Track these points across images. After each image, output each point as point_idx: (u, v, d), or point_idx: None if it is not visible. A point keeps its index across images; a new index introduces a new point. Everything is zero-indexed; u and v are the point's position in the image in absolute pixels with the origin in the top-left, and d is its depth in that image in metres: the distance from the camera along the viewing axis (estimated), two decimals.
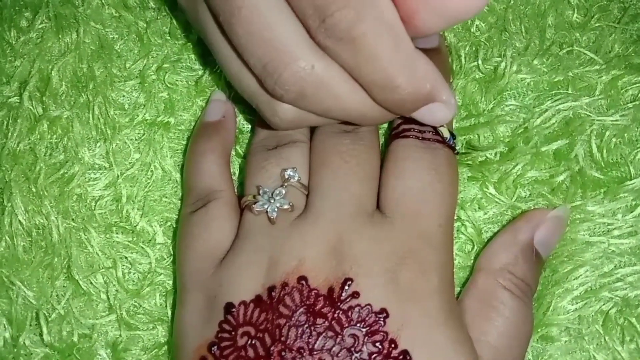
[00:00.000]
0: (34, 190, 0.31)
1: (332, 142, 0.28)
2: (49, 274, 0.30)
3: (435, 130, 0.28)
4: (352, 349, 0.24)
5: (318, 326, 0.24)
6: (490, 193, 0.30)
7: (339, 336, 0.24)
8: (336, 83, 0.24)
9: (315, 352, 0.24)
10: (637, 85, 0.31)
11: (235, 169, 0.32)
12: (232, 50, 0.26)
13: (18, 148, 0.31)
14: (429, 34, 0.24)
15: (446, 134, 0.28)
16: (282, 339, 0.24)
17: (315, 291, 0.25)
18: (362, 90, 0.25)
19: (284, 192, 0.27)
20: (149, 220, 0.31)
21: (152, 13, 0.33)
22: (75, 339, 0.30)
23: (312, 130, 0.30)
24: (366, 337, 0.24)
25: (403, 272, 0.25)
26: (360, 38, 0.23)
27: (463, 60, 0.32)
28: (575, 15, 0.32)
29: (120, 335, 0.30)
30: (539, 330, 0.29)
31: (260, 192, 0.27)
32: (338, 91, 0.24)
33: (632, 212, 0.30)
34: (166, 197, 0.31)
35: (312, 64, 0.24)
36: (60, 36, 0.32)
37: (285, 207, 0.27)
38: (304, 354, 0.24)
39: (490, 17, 0.32)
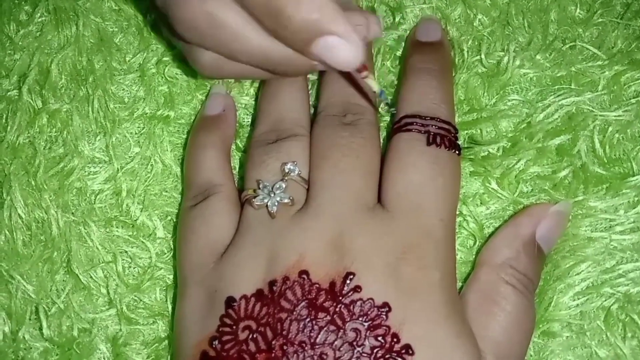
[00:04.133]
0: (33, 183, 0.31)
1: (331, 136, 0.28)
2: (49, 268, 0.30)
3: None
4: (354, 343, 0.24)
5: (320, 320, 0.24)
6: (492, 188, 0.30)
7: (341, 330, 0.24)
8: (231, 20, 0.24)
9: (317, 346, 0.24)
10: None
11: (235, 163, 0.32)
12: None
13: (17, 141, 0.31)
14: None
15: (375, 88, 0.26)
16: (284, 333, 0.24)
17: (317, 285, 0.25)
18: (258, 28, 0.25)
19: (284, 186, 0.27)
20: (149, 215, 0.31)
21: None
22: (75, 333, 0.30)
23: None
24: (368, 331, 0.24)
25: (405, 266, 0.25)
26: None
27: (465, 54, 0.31)
28: (578, 10, 0.32)
29: (120, 329, 0.30)
30: (540, 325, 0.29)
31: (260, 186, 0.27)
32: (235, 29, 0.24)
33: (634, 208, 0.30)
34: (166, 191, 0.31)
35: None
36: (59, 29, 0.32)
37: (286, 201, 0.27)
38: (306, 348, 0.24)
39: (493, 11, 0.32)
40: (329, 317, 0.24)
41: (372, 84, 0.26)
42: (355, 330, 0.24)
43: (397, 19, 0.32)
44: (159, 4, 0.26)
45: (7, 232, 0.30)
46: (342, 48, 0.24)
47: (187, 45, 0.26)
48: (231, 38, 0.25)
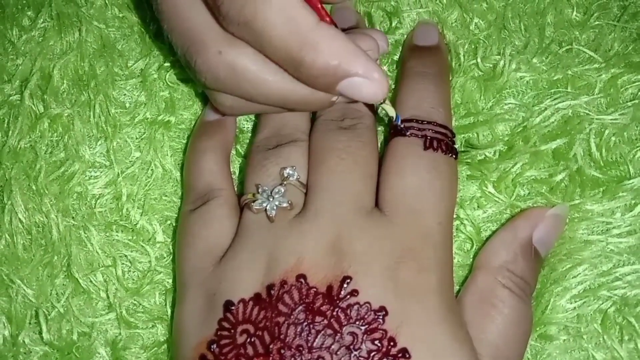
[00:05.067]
0: (34, 188, 0.31)
1: (329, 140, 0.28)
2: (49, 272, 0.30)
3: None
4: (351, 346, 0.24)
5: (317, 324, 0.24)
6: (489, 192, 0.30)
7: (338, 334, 0.24)
8: (248, 67, 0.25)
9: (314, 350, 0.24)
10: (637, 83, 0.31)
11: (235, 168, 0.32)
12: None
13: (19, 146, 0.31)
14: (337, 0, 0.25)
15: (391, 113, 0.27)
16: (281, 337, 0.24)
17: (314, 289, 0.25)
18: (275, 74, 0.25)
19: (282, 190, 0.27)
20: (149, 219, 0.31)
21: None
22: (74, 337, 0.30)
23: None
24: (365, 335, 0.24)
25: (402, 270, 0.25)
26: (252, 21, 0.24)
27: (462, 58, 0.32)
28: (575, 13, 0.32)
29: (119, 333, 0.30)
30: (537, 328, 0.29)
31: (260, 190, 0.27)
32: (252, 75, 0.25)
33: (631, 211, 0.30)
34: (166, 196, 0.32)
35: (219, 50, 0.25)
36: (62, 35, 0.33)
37: (284, 205, 0.27)
38: (303, 352, 0.24)
39: (489, 15, 0.32)
40: (326, 321, 0.24)
41: (389, 109, 0.27)
42: (352, 334, 0.24)
43: (394, 24, 0.33)
44: (180, 54, 0.26)
45: (7, 237, 0.30)
46: (365, 86, 0.25)
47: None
48: (251, 84, 0.26)
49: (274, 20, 0.24)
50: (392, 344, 0.24)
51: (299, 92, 0.26)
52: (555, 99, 0.31)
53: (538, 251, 0.28)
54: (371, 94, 0.25)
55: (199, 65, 0.26)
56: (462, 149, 0.31)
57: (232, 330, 0.25)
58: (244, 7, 0.24)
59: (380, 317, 0.24)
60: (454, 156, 0.28)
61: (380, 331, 0.24)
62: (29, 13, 0.33)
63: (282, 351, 0.24)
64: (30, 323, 0.30)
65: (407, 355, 0.24)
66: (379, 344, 0.24)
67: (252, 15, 0.24)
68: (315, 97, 0.26)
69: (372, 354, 0.24)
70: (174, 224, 0.31)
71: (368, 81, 0.25)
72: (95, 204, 0.31)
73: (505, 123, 0.31)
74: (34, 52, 0.33)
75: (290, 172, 0.28)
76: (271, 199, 0.27)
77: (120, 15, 0.33)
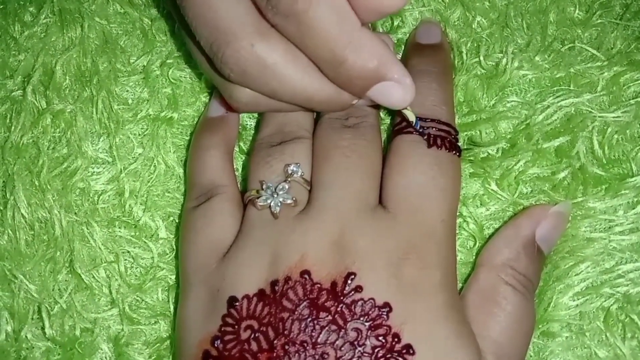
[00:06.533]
0: (36, 183, 0.31)
1: (333, 138, 0.28)
2: (51, 267, 0.30)
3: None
4: (356, 342, 0.24)
5: (321, 320, 0.24)
6: (492, 189, 0.30)
7: (342, 330, 0.24)
8: (279, 63, 0.25)
9: (318, 346, 0.24)
10: (639, 82, 0.31)
11: (238, 165, 0.32)
12: (191, 33, 0.27)
13: (21, 141, 0.31)
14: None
15: (412, 118, 0.27)
16: (286, 332, 0.24)
17: (319, 285, 0.25)
18: (304, 72, 0.25)
19: (287, 187, 0.27)
20: (151, 215, 0.31)
21: (157, 10, 0.33)
22: (77, 332, 0.30)
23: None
24: (369, 331, 0.24)
25: (406, 267, 0.25)
26: (303, 14, 0.24)
27: (465, 56, 0.32)
28: (577, 11, 0.32)
29: (122, 329, 0.30)
30: (540, 326, 0.29)
31: (264, 187, 0.27)
32: (281, 71, 0.25)
33: (633, 208, 0.30)
34: (169, 192, 0.32)
35: (251, 43, 0.25)
36: (64, 31, 0.33)
37: (289, 201, 0.27)
38: (307, 347, 0.24)
39: (491, 13, 0.32)
40: (330, 317, 0.24)
41: (409, 114, 0.27)
42: (357, 329, 0.24)
43: (396, 23, 0.33)
44: (204, 45, 0.26)
45: (10, 232, 0.30)
46: (396, 91, 0.25)
47: (226, 83, 0.27)
48: (279, 80, 0.26)
49: (325, 16, 0.24)
50: (396, 339, 0.24)
51: (324, 92, 0.26)
52: (557, 97, 0.31)
53: (541, 249, 0.28)
54: (400, 99, 0.26)
55: (227, 57, 0.25)
56: (465, 147, 0.31)
57: (236, 326, 0.25)
58: (297, 0, 0.24)
59: (385, 313, 0.24)
60: (457, 154, 0.28)
61: (385, 327, 0.24)
62: (31, 9, 0.33)
63: (287, 347, 0.24)
64: (32, 318, 0.30)
65: (412, 351, 0.24)
66: (383, 340, 0.24)
67: (304, 8, 0.23)
68: (339, 98, 0.26)
69: (376, 350, 0.24)
70: (176, 221, 0.31)
71: (399, 86, 0.25)
72: (97, 200, 0.31)
73: (507, 121, 0.31)
74: (36, 47, 0.32)
75: (295, 168, 0.28)
76: (275, 196, 0.27)
77: (122, 11, 0.33)
